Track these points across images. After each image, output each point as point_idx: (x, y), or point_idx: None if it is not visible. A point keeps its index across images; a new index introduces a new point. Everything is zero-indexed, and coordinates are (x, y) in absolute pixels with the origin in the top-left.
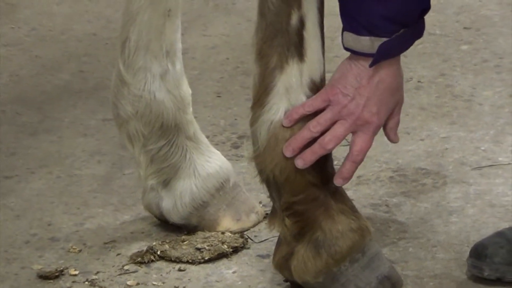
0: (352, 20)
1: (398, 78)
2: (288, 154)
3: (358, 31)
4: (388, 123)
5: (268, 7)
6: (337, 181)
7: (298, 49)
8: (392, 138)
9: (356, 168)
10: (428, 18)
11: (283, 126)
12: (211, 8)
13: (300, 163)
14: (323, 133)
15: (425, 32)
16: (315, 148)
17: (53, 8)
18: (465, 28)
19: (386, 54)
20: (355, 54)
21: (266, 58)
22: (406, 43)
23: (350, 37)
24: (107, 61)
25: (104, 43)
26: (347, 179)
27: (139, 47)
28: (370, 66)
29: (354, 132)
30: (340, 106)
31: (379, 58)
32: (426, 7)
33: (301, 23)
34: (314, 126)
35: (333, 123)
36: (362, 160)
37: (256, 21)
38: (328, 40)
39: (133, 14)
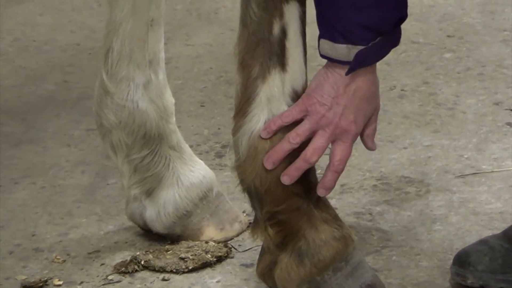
0: (329, 28)
1: (374, 86)
2: (268, 166)
3: (334, 39)
4: (365, 131)
5: (250, 16)
6: (320, 192)
7: (280, 59)
8: (370, 146)
9: (338, 177)
10: (411, 26)
11: (259, 140)
12: (194, 17)
13: (286, 180)
14: (302, 144)
15: (408, 40)
16: (299, 164)
17: (36, 18)
18: (448, 36)
19: (363, 62)
20: (332, 61)
21: (248, 68)
22: (382, 51)
23: (327, 44)
24: (91, 71)
25: (87, 53)
26: (330, 189)
27: (122, 56)
28: (347, 74)
29: (333, 142)
30: (318, 116)
31: (355, 66)
32: (403, 16)
33: (283, 33)
34: (294, 138)
35: (312, 133)
36: (343, 169)
37: (238, 31)
38: (310, 49)
39: (116, 24)
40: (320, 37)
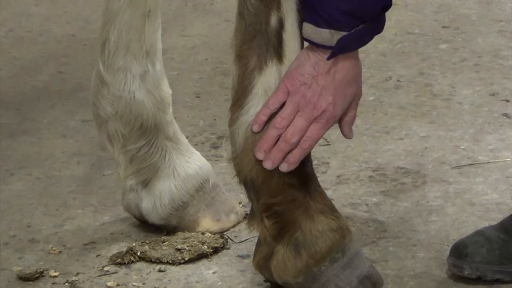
0: (313, 12)
1: (355, 70)
2: (260, 156)
3: (317, 23)
4: (343, 117)
5: (247, 8)
6: (281, 166)
7: (277, 51)
8: (346, 133)
9: (303, 154)
10: (407, 17)
11: (254, 132)
12: (189, 8)
13: (268, 164)
14: None
15: (403, 31)
16: (280, 146)
17: (31, 9)
18: (443, 27)
19: (345, 48)
20: (314, 45)
21: (245, 59)
22: (365, 38)
23: (310, 28)
24: (86, 62)
25: (82, 44)
26: (292, 164)
27: (119, 47)
28: (328, 59)
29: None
30: (299, 95)
31: (337, 51)
32: (387, 4)
33: (280, 25)
34: (280, 122)
35: (295, 114)
36: (310, 147)
37: (235, 23)
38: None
39: (112, 14)
40: (303, 20)
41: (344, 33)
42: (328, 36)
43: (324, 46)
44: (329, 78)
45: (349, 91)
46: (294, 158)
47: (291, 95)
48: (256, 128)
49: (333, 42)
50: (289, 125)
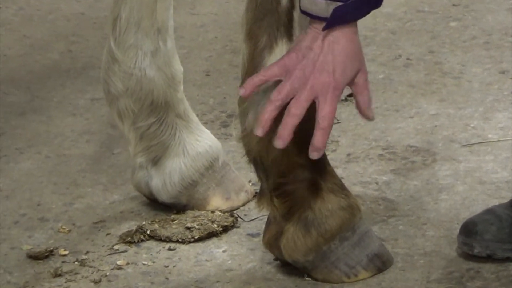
0: None
1: (354, 44)
2: (258, 132)
3: None
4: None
5: None
6: (311, 155)
7: (287, 30)
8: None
9: (327, 135)
10: None
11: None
12: None
13: (280, 143)
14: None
15: (413, 9)
16: (285, 121)
17: None
18: (453, 5)
19: (340, 19)
20: (311, 17)
21: (256, 38)
22: (361, 10)
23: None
24: (96, 40)
25: (92, 22)
26: (320, 149)
27: (130, 24)
28: (323, 29)
29: (315, 98)
30: (297, 69)
31: (332, 22)
32: None
33: (291, 3)
34: (275, 96)
35: (293, 88)
36: (330, 125)
37: (246, 1)
38: None
39: None
40: None
41: (340, 4)
42: (324, 6)
43: (320, 18)
44: (326, 49)
45: (349, 65)
46: (320, 143)
47: (289, 70)
48: (242, 92)
49: (328, 13)
50: (284, 98)
